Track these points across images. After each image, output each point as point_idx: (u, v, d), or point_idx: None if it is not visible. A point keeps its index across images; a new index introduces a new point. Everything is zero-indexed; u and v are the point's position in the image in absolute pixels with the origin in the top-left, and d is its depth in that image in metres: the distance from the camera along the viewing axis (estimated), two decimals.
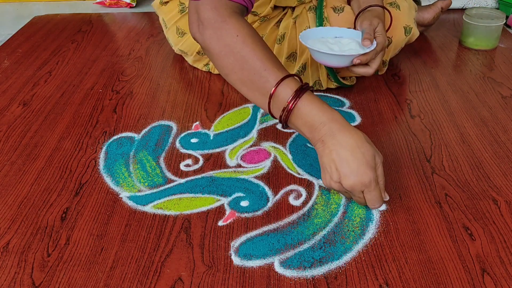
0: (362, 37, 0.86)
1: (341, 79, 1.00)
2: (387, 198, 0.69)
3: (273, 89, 0.68)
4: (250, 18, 1.00)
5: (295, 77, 0.70)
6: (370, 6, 0.92)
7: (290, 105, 0.68)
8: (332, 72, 0.98)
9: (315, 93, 1.01)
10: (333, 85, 1.02)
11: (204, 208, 0.72)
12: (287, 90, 0.68)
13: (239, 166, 0.80)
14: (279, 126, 0.91)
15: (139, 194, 0.75)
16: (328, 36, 0.91)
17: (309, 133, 0.68)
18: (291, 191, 0.75)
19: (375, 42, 0.86)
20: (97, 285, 0.60)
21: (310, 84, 1.01)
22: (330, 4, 0.99)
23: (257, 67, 0.70)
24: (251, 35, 0.72)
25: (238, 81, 0.72)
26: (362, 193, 0.66)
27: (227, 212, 0.71)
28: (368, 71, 0.88)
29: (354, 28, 0.95)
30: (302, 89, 0.68)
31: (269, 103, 0.70)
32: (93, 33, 1.36)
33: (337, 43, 0.89)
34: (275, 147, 0.85)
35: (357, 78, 1.04)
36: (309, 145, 0.85)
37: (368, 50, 0.85)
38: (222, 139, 0.87)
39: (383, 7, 0.94)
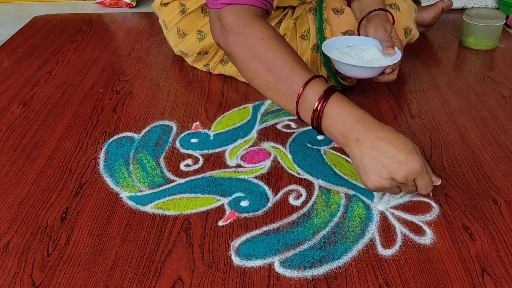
0: (383, 46, 0.87)
1: (341, 80, 1.00)
2: (439, 182, 0.66)
3: (301, 90, 0.66)
4: None
5: (322, 78, 0.69)
6: (375, 10, 0.92)
7: (320, 106, 0.65)
8: (332, 73, 0.98)
9: None
10: None
11: (204, 208, 0.72)
12: (315, 91, 0.66)
13: (239, 166, 0.80)
14: (284, 127, 0.91)
15: (139, 194, 0.75)
16: (341, 46, 0.91)
17: (341, 135, 0.65)
18: (291, 191, 0.75)
19: (397, 50, 0.87)
20: (97, 285, 0.60)
21: None
22: (330, 5, 0.99)
23: (283, 69, 0.68)
24: (275, 37, 0.71)
25: (264, 85, 0.71)
26: (414, 181, 0.63)
27: (227, 212, 0.71)
28: (392, 77, 0.88)
29: (358, 32, 0.95)
30: (331, 90, 0.66)
31: (296, 105, 0.67)
32: (93, 33, 1.36)
33: (358, 52, 0.88)
34: (275, 147, 0.85)
35: (357, 79, 1.04)
36: (309, 145, 0.85)
37: (398, 59, 0.86)
38: (222, 139, 0.87)
39: (387, 11, 0.94)
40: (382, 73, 0.87)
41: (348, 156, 0.81)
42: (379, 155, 0.62)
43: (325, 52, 0.87)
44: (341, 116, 0.65)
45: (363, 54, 0.87)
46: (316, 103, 0.65)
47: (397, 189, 0.66)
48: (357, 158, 0.64)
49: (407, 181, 0.63)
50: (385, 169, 0.62)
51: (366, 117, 0.65)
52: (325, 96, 0.65)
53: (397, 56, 0.86)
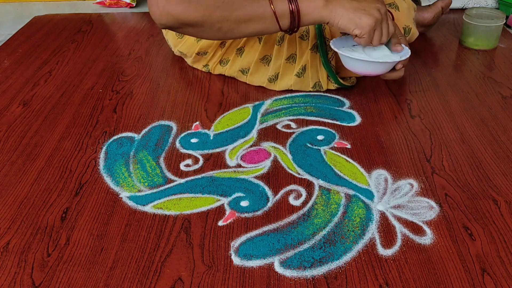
0: (390, 43, 0.88)
1: (341, 80, 1.00)
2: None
3: (272, 8, 0.76)
4: None
5: None
6: None
7: (292, 6, 0.76)
8: (332, 73, 0.98)
9: (315, 93, 1.01)
10: (333, 86, 1.02)
11: (204, 208, 0.72)
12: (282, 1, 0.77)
13: (239, 166, 0.80)
14: (284, 127, 0.90)
15: (139, 194, 0.75)
16: (347, 45, 0.91)
17: (322, 9, 0.78)
18: (291, 191, 0.75)
19: (405, 47, 0.88)
20: (97, 285, 0.60)
21: (311, 86, 1.01)
22: None
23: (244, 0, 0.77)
24: None
25: (234, 24, 0.78)
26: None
27: (227, 212, 0.71)
28: (401, 73, 0.90)
29: None
30: None
31: (277, 22, 0.78)
32: (93, 33, 1.36)
33: (365, 50, 0.88)
34: (275, 147, 0.85)
35: (357, 79, 1.04)
36: (309, 145, 0.85)
37: (408, 54, 0.87)
38: (222, 139, 0.87)
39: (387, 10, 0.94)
40: (392, 69, 0.87)
41: (347, 156, 0.82)
42: (358, 0, 0.78)
43: (336, 50, 0.87)
44: None
45: (371, 52, 0.87)
46: (289, 6, 0.77)
47: (381, 29, 0.80)
48: (344, 15, 0.78)
49: (384, 12, 0.79)
50: (371, 6, 0.77)
51: None
52: None
53: (406, 52, 0.88)
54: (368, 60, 0.84)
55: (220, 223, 0.69)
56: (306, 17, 0.80)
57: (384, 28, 0.81)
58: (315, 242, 0.66)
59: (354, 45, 0.91)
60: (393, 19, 0.95)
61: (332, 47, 0.88)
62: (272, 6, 0.78)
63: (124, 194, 0.75)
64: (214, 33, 0.80)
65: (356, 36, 0.81)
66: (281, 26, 0.80)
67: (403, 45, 0.88)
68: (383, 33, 0.81)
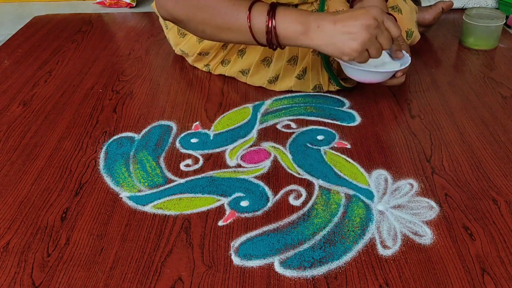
0: (391, 49, 0.87)
1: (342, 82, 1.00)
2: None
3: (248, 22, 0.73)
4: None
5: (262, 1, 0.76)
6: None
7: (270, 21, 0.73)
8: (333, 75, 0.98)
9: (315, 93, 1.01)
10: (334, 87, 1.02)
11: (204, 208, 0.72)
12: (261, 12, 0.73)
13: (239, 166, 0.80)
14: (284, 127, 0.90)
15: (139, 194, 0.75)
16: None
17: (300, 32, 0.73)
18: (291, 191, 0.75)
19: (406, 53, 0.88)
20: (97, 285, 0.60)
21: (311, 88, 1.01)
22: (332, 8, 0.99)
23: (225, 6, 0.75)
24: None
25: (217, 31, 0.77)
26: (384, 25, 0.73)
27: (227, 212, 0.71)
28: (402, 80, 0.89)
29: None
30: (273, 7, 0.73)
31: (251, 33, 0.74)
32: (93, 33, 1.36)
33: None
34: (275, 147, 0.85)
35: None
36: (309, 145, 0.85)
37: (409, 62, 0.86)
38: (222, 139, 0.87)
39: (390, 14, 0.94)
40: (393, 76, 0.87)
41: (347, 156, 0.81)
42: (343, 21, 0.71)
43: (335, 58, 0.87)
44: (294, 16, 0.72)
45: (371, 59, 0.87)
46: (266, 20, 0.73)
47: (376, 43, 0.73)
48: (328, 43, 0.73)
49: (379, 22, 0.71)
50: (356, 25, 0.70)
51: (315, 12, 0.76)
52: (272, 10, 0.73)
53: (407, 59, 0.87)
54: (367, 69, 0.83)
55: (220, 223, 0.69)
56: (286, 40, 0.76)
57: (382, 38, 0.73)
58: (315, 242, 0.66)
59: None
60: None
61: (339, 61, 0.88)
62: (248, 21, 0.74)
63: (124, 194, 0.75)
64: (201, 34, 0.81)
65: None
66: (259, 43, 0.77)
67: (404, 51, 0.88)
68: (382, 43, 0.74)
